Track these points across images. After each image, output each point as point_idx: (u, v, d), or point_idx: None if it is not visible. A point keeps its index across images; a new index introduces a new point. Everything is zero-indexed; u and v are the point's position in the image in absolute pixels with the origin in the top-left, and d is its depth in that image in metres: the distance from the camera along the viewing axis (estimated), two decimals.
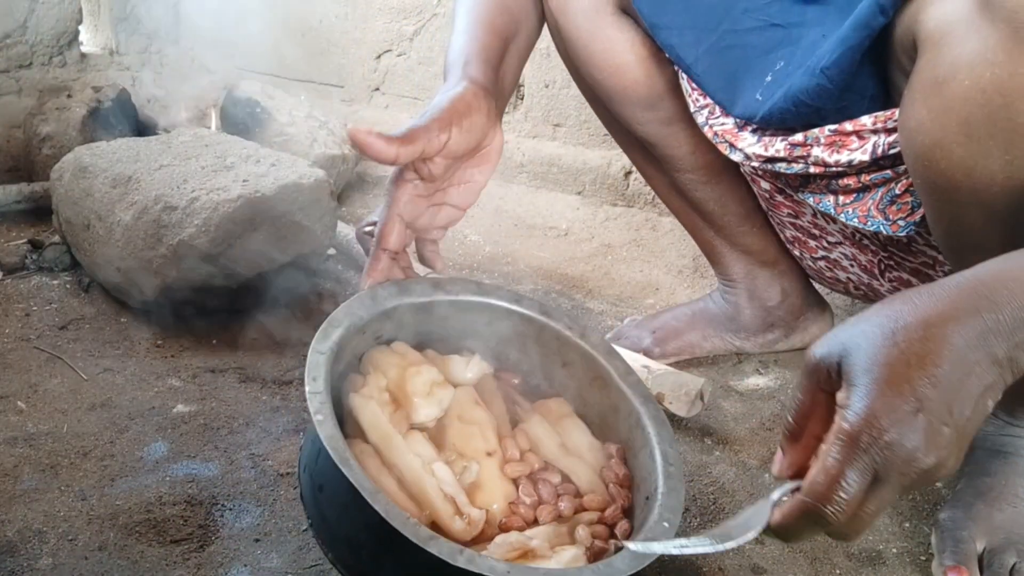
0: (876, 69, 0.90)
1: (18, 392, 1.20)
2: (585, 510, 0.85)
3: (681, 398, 1.14)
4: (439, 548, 0.70)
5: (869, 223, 1.01)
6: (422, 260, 0.92)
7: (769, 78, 0.99)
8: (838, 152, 0.97)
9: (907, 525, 1.01)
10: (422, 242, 0.91)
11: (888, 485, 0.57)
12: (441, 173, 0.84)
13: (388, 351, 0.88)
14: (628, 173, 1.82)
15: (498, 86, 0.95)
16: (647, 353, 1.28)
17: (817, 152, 0.98)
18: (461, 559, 0.70)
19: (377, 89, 2.18)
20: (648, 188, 1.75)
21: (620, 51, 1.14)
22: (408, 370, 0.86)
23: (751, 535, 0.63)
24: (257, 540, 0.94)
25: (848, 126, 0.95)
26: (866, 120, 0.94)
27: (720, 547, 0.64)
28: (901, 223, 0.99)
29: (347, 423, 0.82)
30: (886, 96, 0.92)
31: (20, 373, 1.25)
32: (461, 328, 0.93)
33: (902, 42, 0.84)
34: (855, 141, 0.95)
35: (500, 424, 0.88)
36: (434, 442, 0.84)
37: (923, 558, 0.95)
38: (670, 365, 1.25)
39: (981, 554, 0.89)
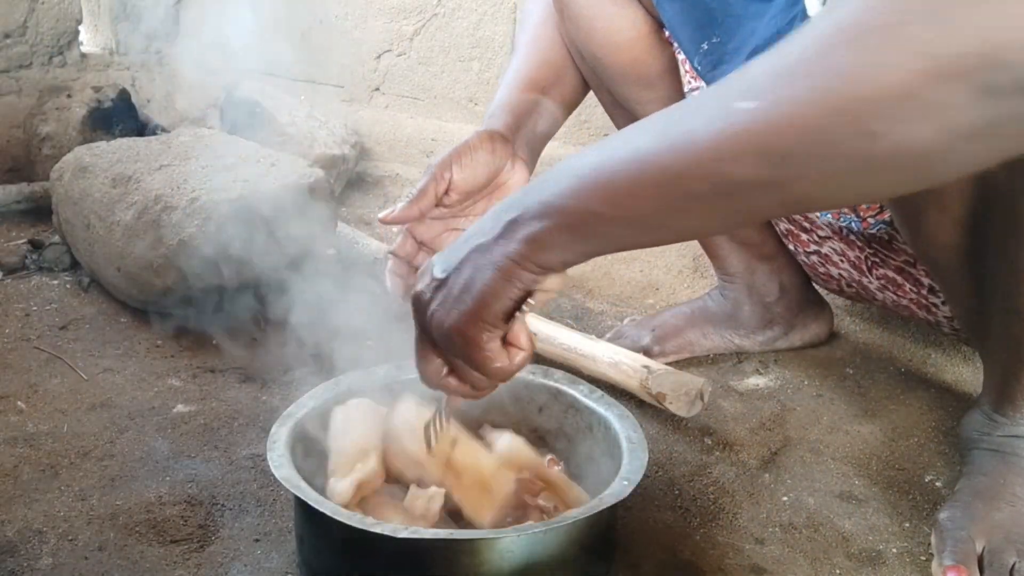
0: None
1: (18, 392, 1.20)
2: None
3: (681, 398, 1.15)
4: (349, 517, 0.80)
5: (842, 219, 1.07)
6: None
7: (705, 46, 1.02)
8: None
9: (907, 525, 1.01)
10: None
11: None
12: (456, 202, 0.96)
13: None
14: None
15: (522, 131, 1.06)
16: (647, 352, 1.28)
17: None
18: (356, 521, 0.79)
19: (377, 89, 2.18)
20: None
21: (622, 28, 1.15)
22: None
23: None
24: (257, 540, 0.94)
25: None
26: None
27: None
28: (871, 220, 1.05)
29: None
30: None
31: (20, 373, 1.25)
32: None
33: None
34: None
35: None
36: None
37: (923, 558, 0.95)
38: (670, 364, 1.25)
39: (981, 554, 0.89)
